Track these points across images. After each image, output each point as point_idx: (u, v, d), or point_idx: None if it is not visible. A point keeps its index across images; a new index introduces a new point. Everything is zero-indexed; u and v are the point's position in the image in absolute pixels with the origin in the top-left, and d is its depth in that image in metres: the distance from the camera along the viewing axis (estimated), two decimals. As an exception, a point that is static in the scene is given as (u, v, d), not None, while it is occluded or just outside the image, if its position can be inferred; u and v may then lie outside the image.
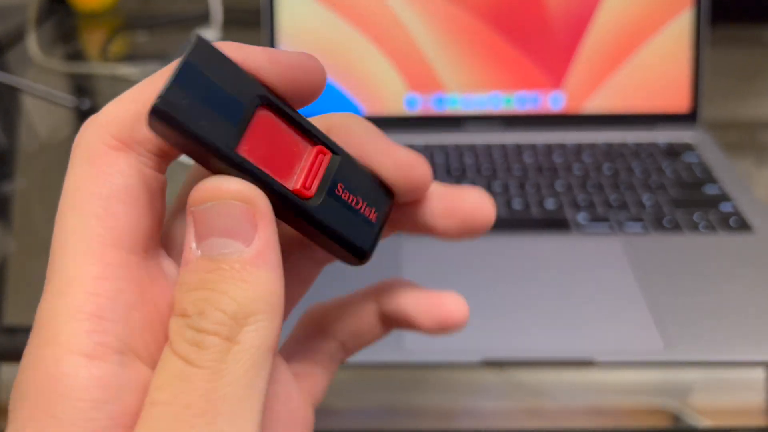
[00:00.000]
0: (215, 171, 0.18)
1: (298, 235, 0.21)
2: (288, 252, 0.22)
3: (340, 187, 0.20)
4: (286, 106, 0.19)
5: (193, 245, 0.17)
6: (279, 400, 0.22)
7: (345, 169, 0.20)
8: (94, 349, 0.17)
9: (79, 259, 0.17)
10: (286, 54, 0.19)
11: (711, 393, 0.45)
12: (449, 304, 0.23)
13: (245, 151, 0.18)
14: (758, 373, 0.45)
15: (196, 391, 0.16)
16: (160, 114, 0.16)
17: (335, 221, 0.19)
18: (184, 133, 0.17)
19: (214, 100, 0.17)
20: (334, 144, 0.20)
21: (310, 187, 0.19)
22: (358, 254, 0.21)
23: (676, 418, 0.44)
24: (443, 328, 0.23)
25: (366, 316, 0.24)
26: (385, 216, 0.21)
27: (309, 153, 0.19)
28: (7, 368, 0.51)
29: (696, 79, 0.67)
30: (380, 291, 0.24)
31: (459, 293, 0.24)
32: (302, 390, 0.24)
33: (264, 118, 0.18)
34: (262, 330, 0.17)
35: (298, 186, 0.19)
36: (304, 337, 0.25)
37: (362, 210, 0.20)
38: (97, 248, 0.17)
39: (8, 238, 0.61)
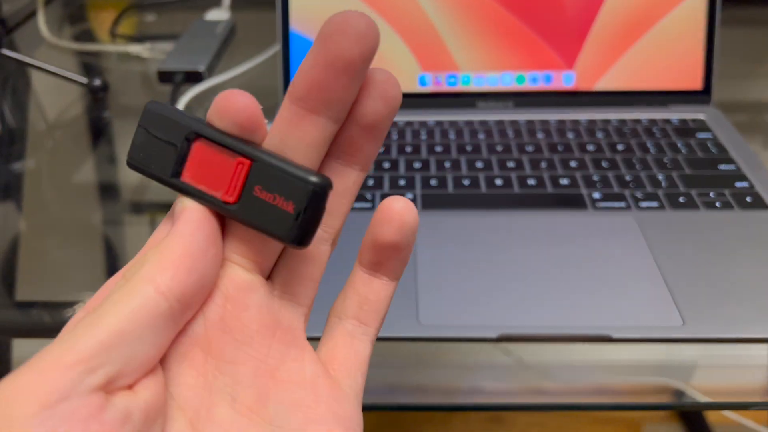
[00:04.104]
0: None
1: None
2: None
3: (258, 188, 0.23)
4: (216, 134, 0.23)
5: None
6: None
7: (261, 172, 0.23)
8: None
9: None
10: (221, 95, 0.23)
11: (714, 371, 0.45)
12: (396, 203, 0.26)
13: (188, 176, 0.24)
14: (761, 351, 0.45)
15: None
16: (130, 166, 0.25)
17: (256, 218, 0.23)
18: (145, 175, 0.25)
19: (157, 148, 0.24)
20: (254, 152, 0.23)
21: (232, 194, 0.23)
22: (289, 242, 0.24)
23: (678, 395, 0.43)
24: (402, 226, 0.26)
25: (358, 280, 0.27)
26: (305, 205, 0.23)
27: (233, 166, 0.23)
28: (19, 343, 0.51)
29: (709, 55, 0.66)
30: (359, 255, 0.27)
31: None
32: (339, 367, 0.27)
33: (200, 148, 0.24)
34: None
35: (223, 194, 0.24)
36: (326, 330, 0.28)
37: (279, 205, 0.23)
38: None
39: (19, 217, 0.61)
